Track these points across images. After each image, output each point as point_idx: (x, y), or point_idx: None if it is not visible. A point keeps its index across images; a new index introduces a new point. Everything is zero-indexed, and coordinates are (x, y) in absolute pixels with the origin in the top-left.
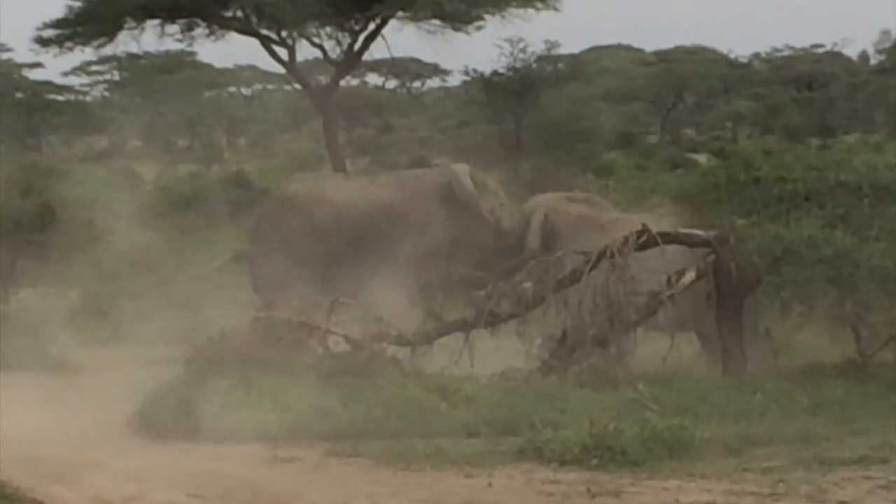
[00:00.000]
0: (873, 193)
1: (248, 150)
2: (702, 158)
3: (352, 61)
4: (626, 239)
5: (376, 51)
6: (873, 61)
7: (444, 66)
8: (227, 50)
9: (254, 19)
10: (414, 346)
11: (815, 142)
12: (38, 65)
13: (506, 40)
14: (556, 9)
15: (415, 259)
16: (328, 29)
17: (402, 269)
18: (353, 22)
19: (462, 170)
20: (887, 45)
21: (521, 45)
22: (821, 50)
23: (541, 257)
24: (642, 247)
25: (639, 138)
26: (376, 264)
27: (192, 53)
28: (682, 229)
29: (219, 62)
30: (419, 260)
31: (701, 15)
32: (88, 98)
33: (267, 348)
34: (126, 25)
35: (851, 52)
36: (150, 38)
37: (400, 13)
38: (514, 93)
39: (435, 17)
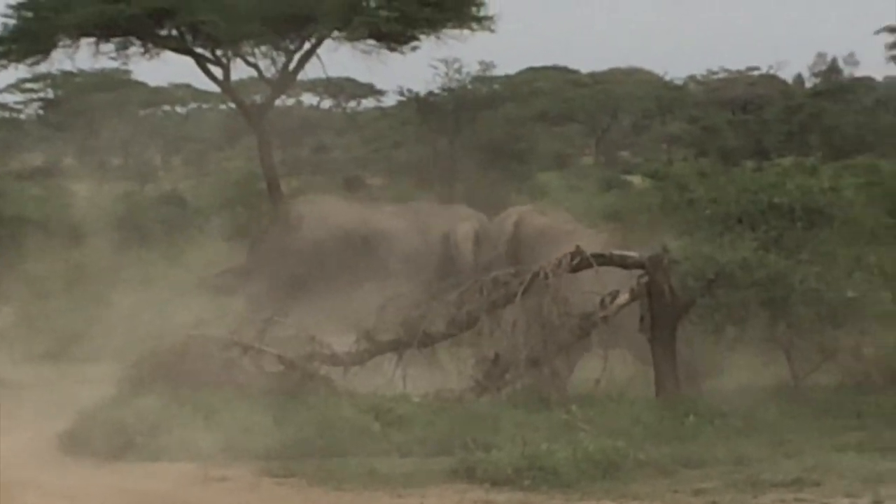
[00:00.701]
0: (807, 216)
1: (182, 168)
2: (636, 180)
3: (287, 80)
4: (560, 261)
5: (311, 70)
6: (809, 84)
7: (380, 86)
8: (162, 69)
9: (189, 38)
10: (347, 367)
11: (749, 164)
12: None
13: (441, 61)
14: (491, 30)
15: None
16: (263, 48)
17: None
18: (288, 41)
19: (465, 230)
20: (823, 68)
21: (457, 65)
22: (756, 73)
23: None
24: (576, 268)
25: (573, 159)
26: (373, 288)
27: (127, 72)
28: (616, 251)
29: (154, 81)
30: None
31: (636, 37)
32: (22, 116)
33: (201, 366)
34: (61, 43)
35: (787, 74)
36: (84, 57)
37: (335, 33)
38: (449, 113)
39: (370, 37)
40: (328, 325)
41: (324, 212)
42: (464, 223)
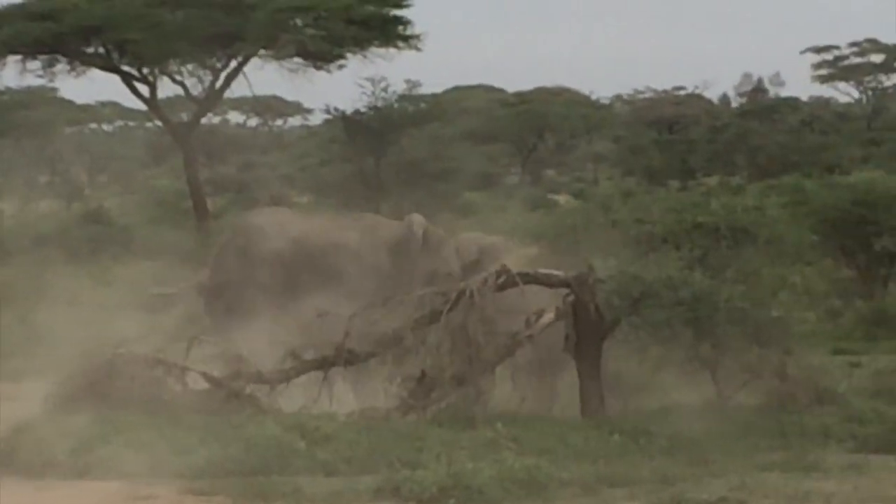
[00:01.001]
0: (731, 235)
1: (109, 186)
2: (562, 199)
3: (213, 98)
4: (486, 279)
5: (238, 88)
6: (734, 104)
7: (307, 104)
8: (89, 86)
9: (115, 56)
10: (272, 385)
11: (675, 184)
12: None
13: (367, 79)
14: (417, 48)
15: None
16: (190, 66)
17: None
18: (214, 59)
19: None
20: (749, 88)
21: (383, 84)
22: (682, 92)
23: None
24: (502, 287)
25: (499, 178)
26: (332, 298)
27: (54, 89)
28: (541, 270)
29: (80, 98)
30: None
31: (563, 56)
32: None
33: (126, 385)
34: None
35: (713, 94)
36: (11, 74)
37: (262, 51)
38: (376, 132)
39: (297, 55)
40: (290, 337)
41: (282, 223)
42: (417, 226)
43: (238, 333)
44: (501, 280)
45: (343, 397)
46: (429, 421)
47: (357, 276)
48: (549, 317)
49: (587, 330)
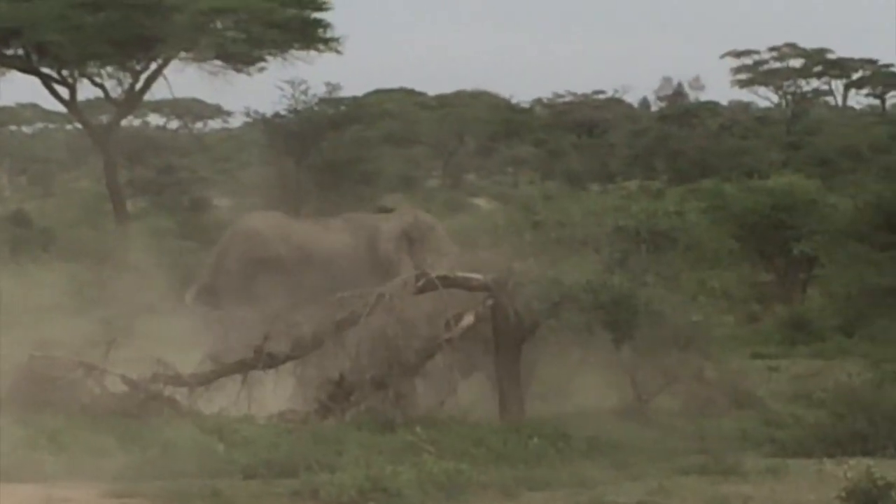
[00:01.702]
0: (651, 239)
1: (28, 188)
2: (483, 202)
3: (133, 101)
4: (405, 282)
5: (158, 91)
6: (654, 108)
7: (227, 107)
8: (8, 88)
9: (35, 58)
10: (191, 388)
11: (595, 187)
12: None
13: (287, 82)
14: (338, 52)
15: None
16: (110, 68)
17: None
18: (134, 62)
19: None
20: (668, 92)
21: (303, 87)
22: (602, 96)
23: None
24: (420, 290)
25: (419, 182)
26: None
27: None
28: (460, 273)
29: None
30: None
31: (483, 59)
32: None
33: (44, 387)
34: None
35: (632, 98)
36: None
37: (182, 53)
38: (296, 134)
39: (217, 57)
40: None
41: (277, 226)
42: (390, 222)
43: (235, 335)
44: (421, 283)
45: (263, 400)
46: (348, 424)
47: (354, 279)
48: (468, 320)
49: (507, 333)
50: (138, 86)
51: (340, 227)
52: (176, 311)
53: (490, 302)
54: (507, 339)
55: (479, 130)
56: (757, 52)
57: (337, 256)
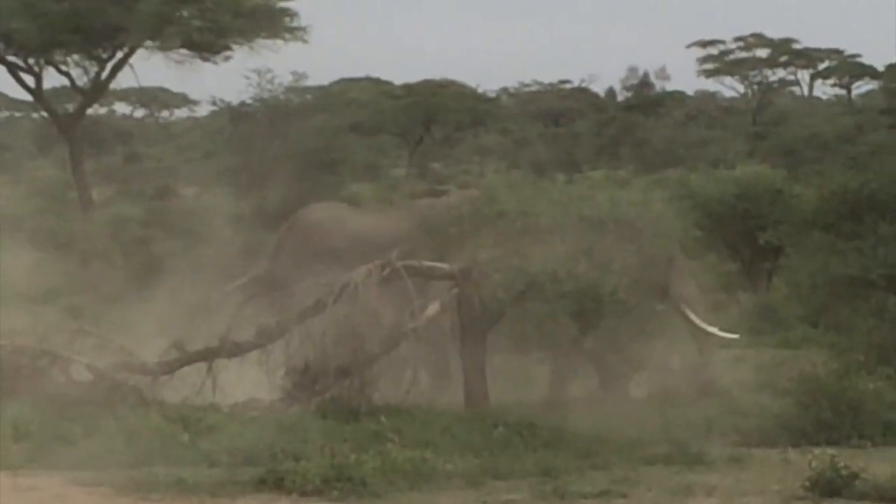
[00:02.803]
0: (616, 229)
1: None
2: None
3: (99, 89)
4: (369, 271)
5: (124, 79)
6: (620, 98)
7: (193, 95)
8: None
9: (0, 46)
10: (155, 376)
11: (561, 177)
12: None
13: (254, 71)
14: (304, 40)
15: None
16: (76, 57)
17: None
18: (100, 50)
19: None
20: (634, 81)
21: (269, 76)
22: (568, 86)
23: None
24: (386, 279)
25: (386, 171)
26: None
27: None
28: (426, 262)
29: None
30: None
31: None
32: None
33: (10, 375)
34: None
35: (599, 88)
36: None
37: (148, 42)
38: (262, 123)
39: (183, 46)
40: None
41: (335, 218)
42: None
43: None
44: (386, 272)
45: (227, 388)
46: (313, 413)
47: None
48: (433, 309)
49: (472, 322)
50: (104, 74)
51: (397, 215)
52: (142, 299)
53: (455, 291)
54: (472, 328)
55: (445, 120)
56: (723, 42)
57: (395, 244)
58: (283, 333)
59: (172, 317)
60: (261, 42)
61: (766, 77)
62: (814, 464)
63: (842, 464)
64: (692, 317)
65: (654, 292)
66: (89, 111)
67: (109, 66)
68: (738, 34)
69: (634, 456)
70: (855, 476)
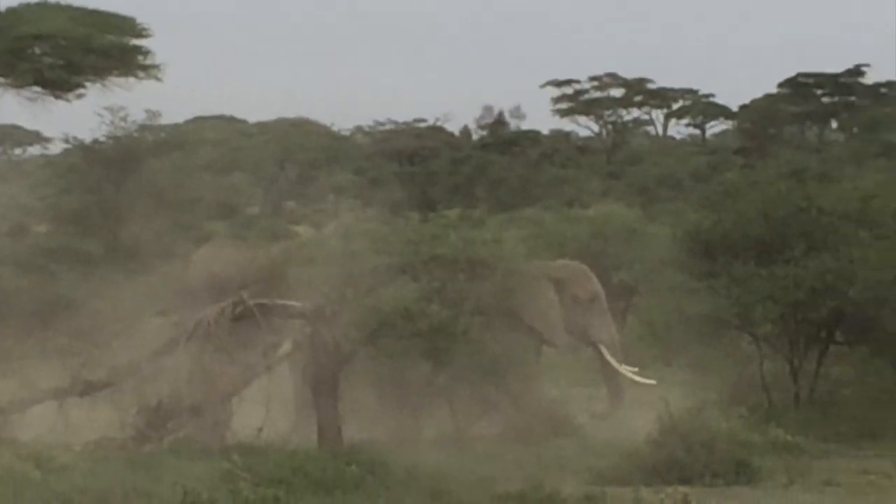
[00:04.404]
0: (469, 268)
1: None
2: (303, 230)
3: None
4: (223, 309)
5: None
6: (475, 136)
7: (46, 133)
8: None
9: None
10: (6, 414)
11: (416, 215)
12: None
13: (107, 109)
14: (158, 78)
15: None
16: None
17: None
18: None
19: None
20: (489, 120)
21: (122, 113)
22: (423, 124)
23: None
24: (238, 317)
25: (240, 209)
26: None
27: None
28: (278, 301)
29: None
30: None
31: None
32: None
33: None
34: None
35: (453, 127)
36: None
37: (0, 79)
38: (115, 161)
39: (35, 83)
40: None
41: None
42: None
43: None
44: (238, 310)
45: (80, 427)
46: (165, 451)
47: None
48: (286, 347)
49: (325, 360)
50: None
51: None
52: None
53: (308, 330)
54: (325, 366)
55: (299, 158)
56: (577, 82)
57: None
58: (134, 372)
59: (22, 355)
60: (114, 80)
61: (621, 116)
62: (666, 502)
63: (694, 502)
64: (610, 359)
65: (513, 326)
66: None
67: None
68: (592, 74)
69: (488, 494)
70: None
